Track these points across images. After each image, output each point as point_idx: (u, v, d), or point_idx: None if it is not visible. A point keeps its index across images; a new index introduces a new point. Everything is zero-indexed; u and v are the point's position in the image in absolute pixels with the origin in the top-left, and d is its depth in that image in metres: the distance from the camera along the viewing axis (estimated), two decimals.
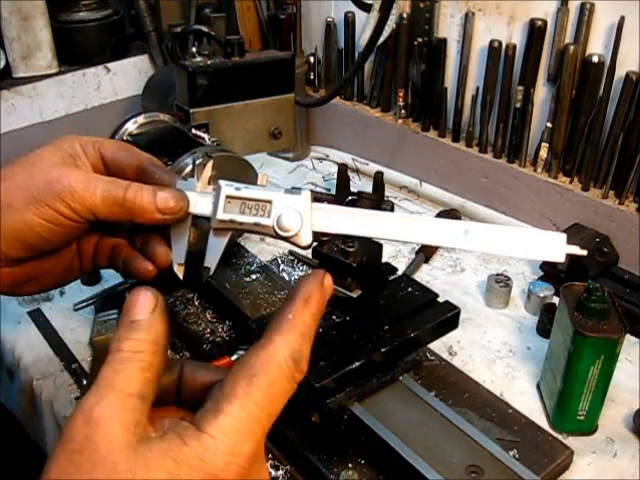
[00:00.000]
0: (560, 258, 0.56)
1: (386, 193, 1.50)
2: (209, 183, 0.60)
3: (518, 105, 1.34)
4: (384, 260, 0.97)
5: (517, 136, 1.36)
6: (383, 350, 0.82)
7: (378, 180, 1.46)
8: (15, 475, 1.24)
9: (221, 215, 0.58)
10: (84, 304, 1.17)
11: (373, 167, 1.61)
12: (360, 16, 1.60)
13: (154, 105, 1.42)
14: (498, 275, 1.21)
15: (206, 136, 1.13)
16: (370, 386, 0.85)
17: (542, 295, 1.15)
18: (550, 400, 0.95)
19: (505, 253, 0.57)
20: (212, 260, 0.60)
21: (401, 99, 1.55)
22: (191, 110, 1.17)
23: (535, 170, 1.36)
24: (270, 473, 0.85)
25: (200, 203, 0.59)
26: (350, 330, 0.85)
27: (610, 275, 1.20)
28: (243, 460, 0.40)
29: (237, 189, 0.58)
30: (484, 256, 1.33)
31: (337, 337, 0.84)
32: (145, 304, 0.44)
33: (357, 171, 1.67)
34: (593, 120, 1.24)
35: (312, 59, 1.71)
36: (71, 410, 1.00)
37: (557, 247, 0.56)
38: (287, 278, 1.21)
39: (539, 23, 1.27)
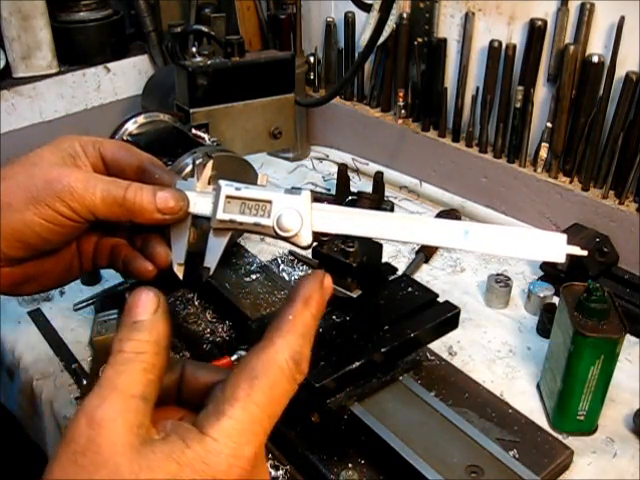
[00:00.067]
0: (560, 259, 0.56)
1: (386, 193, 1.50)
2: (209, 183, 0.60)
3: (518, 105, 1.34)
4: (384, 260, 0.97)
5: (517, 136, 1.36)
6: (383, 350, 0.82)
7: (378, 180, 1.46)
8: (15, 475, 1.24)
9: (221, 215, 0.58)
10: (84, 304, 1.17)
11: (373, 167, 1.61)
12: (360, 16, 1.60)
13: (154, 105, 1.42)
14: (498, 275, 1.21)
15: (206, 136, 1.13)
16: (370, 386, 0.85)
17: (542, 295, 1.15)
18: (550, 400, 0.95)
19: (505, 253, 0.57)
20: (212, 260, 0.60)
21: (401, 99, 1.55)
22: (191, 110, 1.17)
23: (535, 170, 1.36)
24: (270, 473, 0.85)
25: (200, 203, 0.59)
26: (350, 330, 0.85)
27: (610, 275, 1.20)
28: (245, 462, 0.40)
29: (237, 189, 0.58)
30: (484, 256, 1.33)
31: (337, 337, 0.84)
32: (147, 304, 0.44)
33: (357, 171, 1.67)
34: (593, 120, 1.24)
35: (312, 59, 1.71)
36: (71, 410, 1.01)
37: (557, 247, 0.56)
38: (287, 278, 1.21)
39: (539, 23, 1.27)
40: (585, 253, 0.57)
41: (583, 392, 0.89)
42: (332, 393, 0.80)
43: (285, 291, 1.10)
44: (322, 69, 1.74)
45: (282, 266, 1.25)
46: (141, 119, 1.15)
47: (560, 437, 0.91)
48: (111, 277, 1.22)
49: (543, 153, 1.34)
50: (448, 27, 1.45)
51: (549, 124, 1.32)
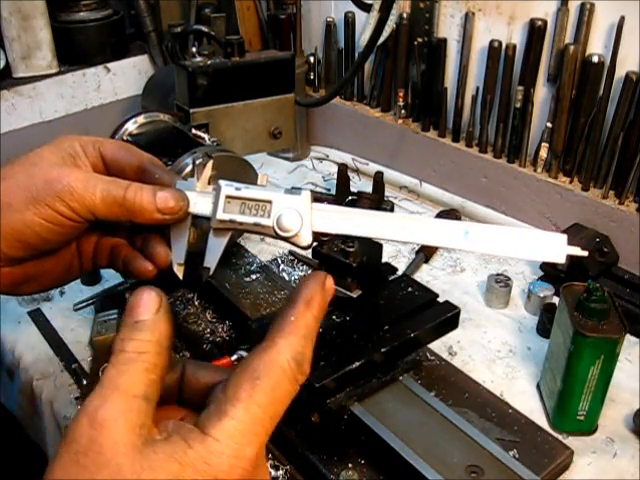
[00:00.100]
0: (561, 259, 0.56)
1: (386, 193, 1.50)
2: (209, 183, 0.60)
3: (518, 105, 1.34)
4: (384, 260, 0.97)
5: (517, 136, 1.36)
6: (383, 350, 0.82)
7: (378, 180, 1.46)
8: (15, 475, 1.24)
9: (221, 215, 0.58)
10: (84, 304, 1.17)
11: (373, 167, 1.61)
12: (360, 16, 1.60)
13: (154, 105, 1.41)
14: (498, 275, 1.21)
15: (206, 136, 1.13)
16: (370, 386, 0.85)
17: (542, 295, 1.15)
18: (550, 400, 0.95)
19: (505, 254, 0.57)
20: (212, 260, 0.60)
21: (401, 99, 1.55)
22: (191, 110, 1.17)
23: (535, 170, 1.36)
24: (270, 473, 0.85)
25: (200, 203, 0.59)
26: (350, 330, 0.85)
27: (610, 275, 1.20)
28: (247, 463, 0.40)
29: (237, 189, 0.58)
30: (484, 256, 1.33)
31: (337, 337, 0.84)
32: (149, 304, 0.44)
33: (357, 171, 1.67)
34: (593, 120, 1.24)
35: (312, 59, 1.71)
36: (71, 410, 1.01)
37: (558, 248, 0.56)
38: (287, 278, 1.21)
39: (539, 23, 1.27)
40: (585, 254, 0.57)
41: (583, 392, 0.89)
42: (332, 393, 0.80)
43: (285, 291, 1.10)
44: (322, 69, 1.74)
45: (282, 266, 1.25)
46: (141, 119, 1.15)
47: (560, 437, 0.91)
48: (111, 277, 1.22)
49: (543, 153, 1.34)
50: (448, 27, 1.45)
51: (549, 124, 1.32)
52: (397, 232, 0.58)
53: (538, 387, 1.01)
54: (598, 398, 0.90)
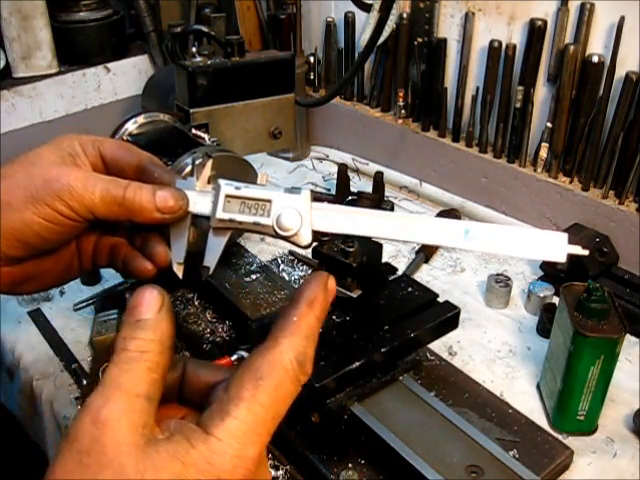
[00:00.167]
0: (562, 258, 0.56)
1: (386, 193, 1.50)
2: (209, 182, 0.60)
3: (518, 105, 1.34)
4: (384, 260, 0.97)
5: (517, 136, 1.36)
6: (383, 350, 0.82)
7: (378, 180, 1.46)
8: (15, 475, 1.24)
9: (220, 214, 0.58)
10: (84, 304, 1.17)
11: (373, 167, 1.61)
12: (360, 16, 1.60)
13: (154, 105, 1.41)
14: (498, 275, 1.21)
15: (206, 136, 1.13)
16: (370, 386, 0.85)
17: (542, 295, 1.15)
18: (550, 400, 0.95)
19: (506, 253, 0.57)
20: (211, 259, 0.60)
21: (401, 99, 1.55)
22: (191, 110, 1.17)
23: (535, 170, 1.36)
24: (270, 473, 0.85)
25: (199, 202, 0.59)
26: (350, 330, 0.85)
27: (610, 275, 1.20)
28: (250, 463, 0.40)
29: (237, 188, 0.58)
30: (484, 256, 1.33)
31: (337, 337, 0.84)
32: (151, 303, 0.44)
33: (357, 171, 1.67)
34: (593, 120, 1.24)
35: (312, 59, 1.71)
36: (71, 410, 1.01)
37: (559, 247, 0.56)
38: (287, 278, 1.21)
39: (539, 23, 1.27)
40: (586, 253, 0.56)
41: (583, 392, 0.89)
42: (332, 393, 0.80)
43: (285, 291, 1.10)
44: (322, 69, 1.74)
45: (282, 266, 1.25)
46: (141, 119, 1.15)
47: (560, 437, 0.91)
48: (111, 277, 1.22)
49: (543, 153, 1.34)
50: (448, 27, 1.45)
51: (549, 124, 1.32)
52: (397, 231, 0.58)
53: (538, 387, 1.01)
54: (598, 398, 0.90)
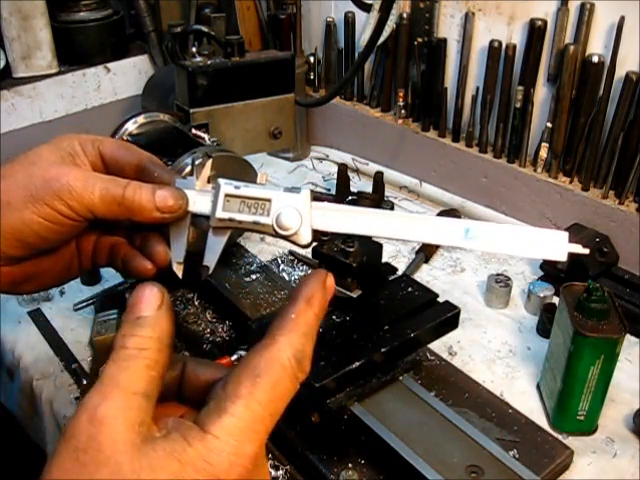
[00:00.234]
0: (562, 257, 0.56)
1: (386, 193, 1.50)
2: (208, 182, 0.60)
3: (518, 105, 1.34)
4: (384, 260, 0.97)
5: (517, 136, 1.36)
6: (383, 350, 0.82)
7: (378, 180, 1.46)
8: (15, 475, 1.24)
9: (220, 214, 0.58)
10: (84, 304, 1.17)
11: (373, 167, 1.61)
12: (360, 16, 1.60)
13: (154, 105, 1.41)
14: (498, 275, 1.20)
15: (206, 136, 1.13)
16: (370, 386, 0.85)
17: (542, 295, 1.15)
18: (550, 400, 0.95)
19: (507, 252, 0.57)
20: (211, 259, 0.60)
21: (401, 99, 1.55)
22: (191, 110, 1.17)
23: (535, 170, 1.36)
24: (270, 473, 0.85)
25: (199, 202, 0.59)
26: (350, 330, 0.85)
27: (610, 275, 1.20)
28: (247, 461, 0.40)
29: (236, 187, 0.58)
30: (484, 256, 1.33)
31: (337, 337, 0.84)
32: (151, 300, 0.44)
33: (357, 171, 1.67)
34: (593, 120, 1.24)
35: (312, 59, 1.71)
36: (71, 410, 1.01)
37: (559, 246, 0.56)
38: (287, 278, 1.21)
39: (539, 23, 1.27)
40: (587, 251, 0.56)
41: (583, 392, 0.89)
42: (332, 393, 0.80)
43: (285, 291, 1.10)
44: (322, 69, 1.74)
45: (282, 266, 1.25)
46: (141, 119, 1.15)
47: (560, 437, 0.91)
48: (111, 277, 1.22)
49: (543, 153, 1.33)
50: (448, 27, 1.45)
51: (549, 124, 1.32)
52: (397, 230, 0.58)
53: (538, 387, 1.01)
54: (598, 398, 0.90)
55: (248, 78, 1.22)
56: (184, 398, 0.49)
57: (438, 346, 1.02)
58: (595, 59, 1.20)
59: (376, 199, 1.43)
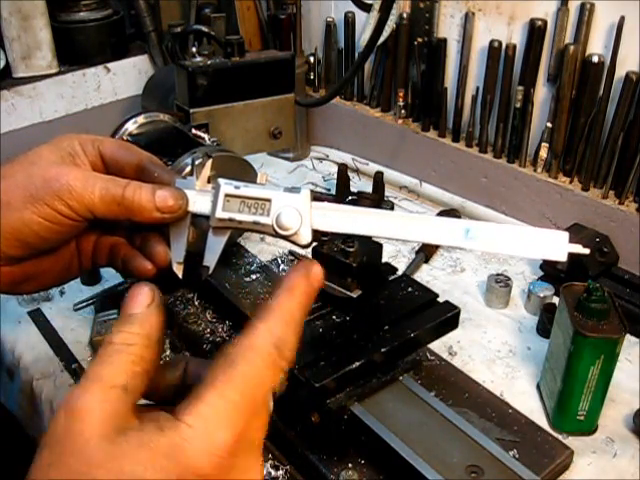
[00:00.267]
0: (562, 257, 0.56)
1: (386, 193, 1.50)
2: (208, 182, 0.60)
3: (518, 105, 1.34)
4: (384, 260, 0.97)
5: (517, 136, 1.36)
6: (383, 350, 0.82)
7: (378, 180, 1.46)
8: (15, 475, 1.24)
9: (220, 214, 0.58)
10: (84, 304, 1.17)
11: (373, 167, 1.61)
12: (360, 16, 1.60)
13: (154, 105, 1.41)
14: (498, 275, 1.20)
15: (206, 136, 1.13)
16: (370, 386, 0.85)
17: (542, 295, 1.15)
18: (550, 400, 0.95)
19: (507, 252, 0.57)
20: (211, 259, 0.60)
21: (401, 99, 1.55)
22: (191, 110, 1.17)
23: (535, 170, 1.36)
24: (270, 473, 0.85)
25: (199, 202, 0.59)
26: (350, 330, 0.85)
27: (610, 275, 1.20)
28: (221, 449, 0.39)
29: (236, 187, 0.58)
30: (484, 256, 1.33)
31: (337, 337, 0.84)
32: (141, 298, 0.44)
33: (357, 171, 1.67)
34: (593, 120, 1.24)
35: (312, 59, 1.71)
36: None
37: (559, 245, 0.56)
38: None
39: (539, 23, 1.27)
40: (587, 251, 0.56)
41: (583, 392, 0.89)
42: (332, 393, 0.80)
43: None
44: (322, 69, 1.74)
45: (282, 266, 1.25)
46: (141, 119, 1.15)
47: (560, 437, 0.90)
48: (111, 277, 1.22)
49: (543, 153, 1.33)
50: (448, 27, 1.45)
51: (549, 124, 1.32)
52: (397, 230, 0.58)
53: (538, 387, 1.01)
54: (598, 398, 0.90)
55: (248, 78, 1.22)
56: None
57: (438, 346, 1.02)
58: (595, 59, 1.20)
59: (376, 199, 1.43)
